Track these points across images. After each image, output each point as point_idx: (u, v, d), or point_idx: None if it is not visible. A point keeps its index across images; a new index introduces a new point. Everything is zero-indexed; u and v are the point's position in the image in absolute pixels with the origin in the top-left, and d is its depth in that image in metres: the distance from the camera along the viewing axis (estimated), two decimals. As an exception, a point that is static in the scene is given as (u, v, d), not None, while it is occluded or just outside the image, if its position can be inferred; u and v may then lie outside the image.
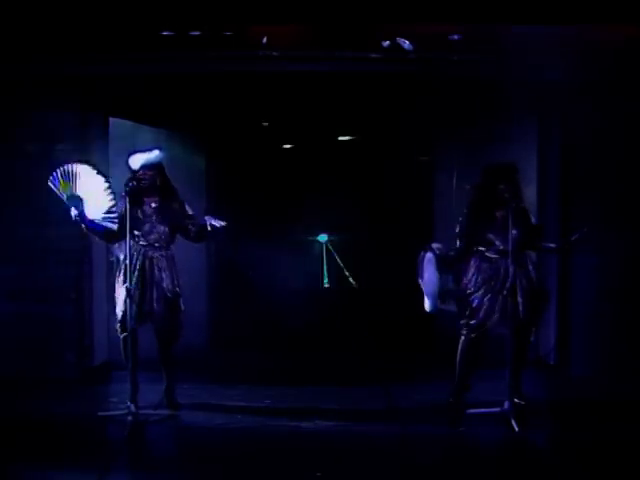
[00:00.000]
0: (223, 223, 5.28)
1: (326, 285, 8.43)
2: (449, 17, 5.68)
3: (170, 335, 5.43)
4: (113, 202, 5.18)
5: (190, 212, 5.44)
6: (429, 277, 5.32)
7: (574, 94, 6.30)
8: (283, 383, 6.11)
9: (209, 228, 5.29)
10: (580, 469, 4.42)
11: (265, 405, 5.58)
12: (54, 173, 5.18)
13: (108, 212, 5.18)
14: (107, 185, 5.18)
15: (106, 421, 5.15)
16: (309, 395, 5.78)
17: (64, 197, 5.19)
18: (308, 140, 8.36)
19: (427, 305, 5.37)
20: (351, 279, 8.38)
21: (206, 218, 5.33)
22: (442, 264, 5.32)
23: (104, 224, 5.21)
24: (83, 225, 5.24)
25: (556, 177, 6.54)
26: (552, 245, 5.54)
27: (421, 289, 5.36)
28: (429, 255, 5.33)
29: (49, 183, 5.18)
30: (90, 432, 4.97)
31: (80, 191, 5.17)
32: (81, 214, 5.17)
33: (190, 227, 5.39)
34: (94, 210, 5.20)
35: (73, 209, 5.17)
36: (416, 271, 5.39)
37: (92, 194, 5.18)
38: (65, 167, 5.19)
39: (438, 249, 5.35)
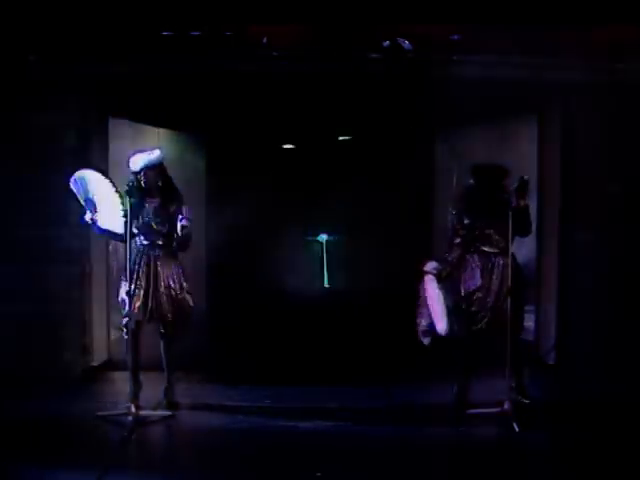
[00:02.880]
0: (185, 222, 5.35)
1: (327, 285, 8.44)
2: (449, 17, 5.68)
3: (174, 334, 5.43)
4: (124, 209, 5.20)
5: (185, 215, 5.40)
6: (433, 296, 5.32)
7: (574, 94, 6.31)
8: (283, 383, 6.11)
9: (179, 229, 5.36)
10: (580, 469, 4.43)
11: (265, 405, 5.58)
12: (74, 177, 5.25)
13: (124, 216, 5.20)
14: (117, 191, 5.22)
15: (106, 421, 5.15)
16: (309, 395, 5.78)
17: (82, 199, 5.26)
18: (308, 140, 8.37)
19: (441, 328, 5.30)
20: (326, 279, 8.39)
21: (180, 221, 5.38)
22: (441, 280, 5.34)
23: (113, 230, 5.28)
24: (95, 228, 5.32)
25: (556, 177, 6.53)
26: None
27: (426, 315, 5.34)
28: (428, 277, 5.35)
29: (71, 185, 5.26)
30: (90, 432, 4.98)
31: (95, 196, 5.24)
32: (94, 218, 5.24)
33: (177, 233, 5.39)
34: (106, 216, 5.26)
35: (88, 212, 5.23)
36: (417, 300, 5.39)
37: (104, 201, 5.24)
38: (82, 171, 5.27)
39: (435, 269, 5.37)
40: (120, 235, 5.29)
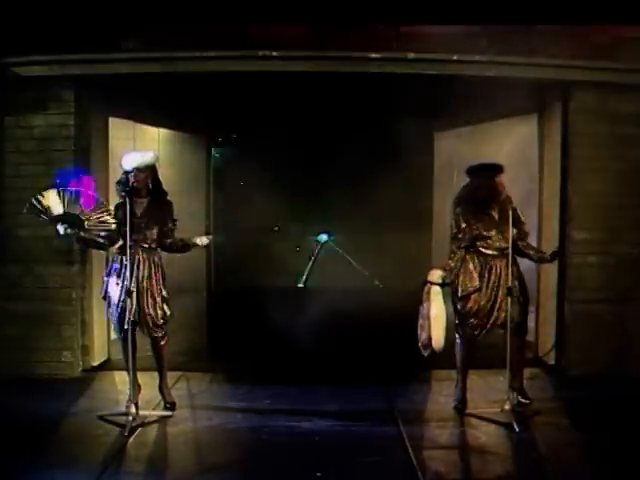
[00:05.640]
0: (209, 239, 5.45)
1: (301, 285, 8.42)
2: (449, 17, 5.68)
3: (159, 336, 5.40)
4: (104, 216, 5.09)
5: (175, 218, 5.40)
6: (439, 312, 5.25)
7: (574, 94, 6.31)
8: (283, 383, 6.11)
9: (199, 243, 5.40)
10: (580, 469, 4.43)
11: (265, 405, 5.59)
12: (33, 199, 4.97)
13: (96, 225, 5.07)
14: (101, 202, 5.10)
15: (106, 421, 5.15)
16: (309, 395, 5.78)
17: (47, 218, 4.97)
18: (308, 140, 8.37)
19: (437, 344, 5.24)
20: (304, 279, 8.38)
21: (196, 239, 5.41)
22: (445, 286, 5.32)
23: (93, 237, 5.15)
24: (76, 238, 5.16)
25: (556, 177, 6.53)
26: (531, 252, 5.45)
27: (426, 328, 5.26)
28: (436, 289, 5.28)
29: (28, 209, 4.98)
30: (90, 432, 4.97)
31: (73, 209, 4.98)
32: (73, 228, 5.00)
33: (169, 236, 5.35)
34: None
35: (59, 225, 4.98)
36: (421, 306, 5.31)
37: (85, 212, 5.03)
38: (58, 189, 5.00)
39: (440, 277, 5.30)
40: (101, 242, 5.22)
